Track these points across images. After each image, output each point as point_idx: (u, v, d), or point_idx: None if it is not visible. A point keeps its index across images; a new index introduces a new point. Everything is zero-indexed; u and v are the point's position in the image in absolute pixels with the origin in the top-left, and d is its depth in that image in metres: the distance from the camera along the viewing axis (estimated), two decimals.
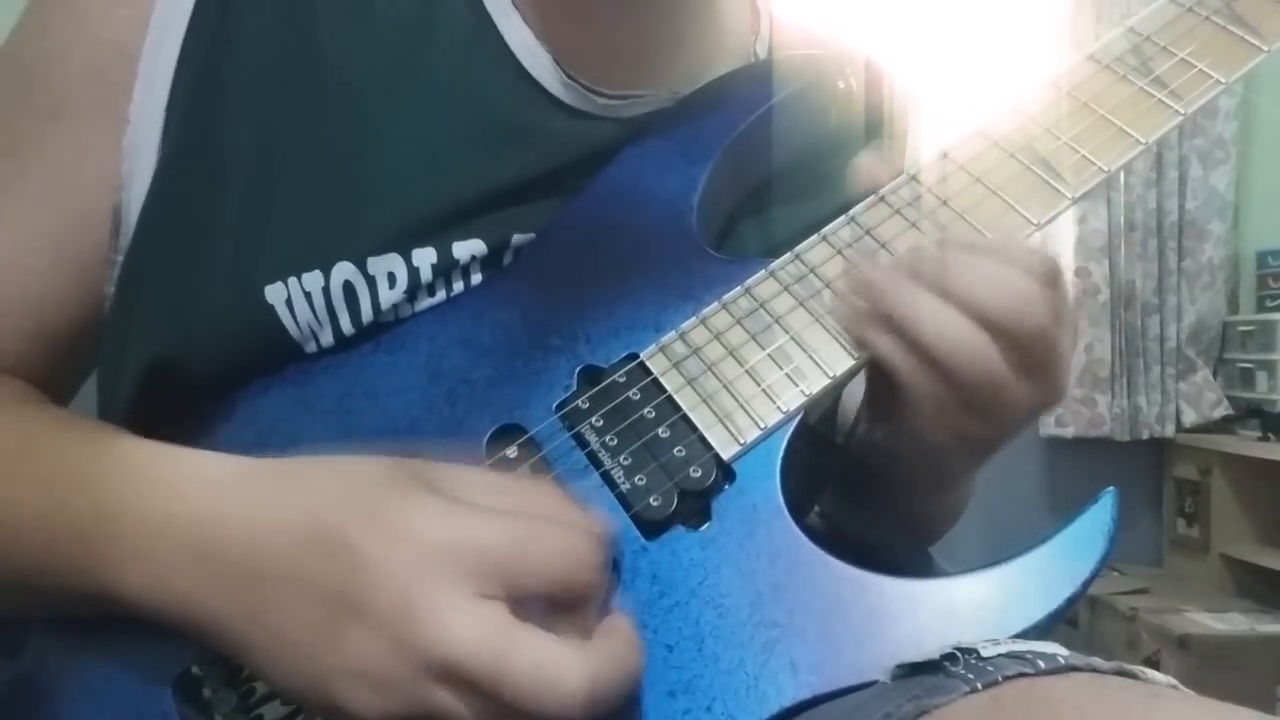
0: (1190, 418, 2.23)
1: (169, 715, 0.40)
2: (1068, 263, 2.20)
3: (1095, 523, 0.39)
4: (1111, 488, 0.39)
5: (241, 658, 0.36)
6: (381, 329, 0.47)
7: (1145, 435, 2.23)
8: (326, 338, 0.46)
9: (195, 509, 0.37)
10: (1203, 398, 2.22)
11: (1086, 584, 0.38)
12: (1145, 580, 2.18)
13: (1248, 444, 2.06)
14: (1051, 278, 0.42)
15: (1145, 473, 2.33)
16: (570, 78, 0.50)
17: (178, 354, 0.45)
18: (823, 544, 0.40)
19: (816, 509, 0.62)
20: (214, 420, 0.45)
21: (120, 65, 0.46)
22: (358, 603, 0.32)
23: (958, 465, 0.47)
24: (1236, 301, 2.32)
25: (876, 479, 0.51)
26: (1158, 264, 2.22)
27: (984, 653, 0.35)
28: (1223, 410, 2.22)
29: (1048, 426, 2.23)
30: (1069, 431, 2.23)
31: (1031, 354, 0.41)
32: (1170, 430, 2.23)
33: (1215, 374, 2.27)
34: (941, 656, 0.35)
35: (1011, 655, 0.34)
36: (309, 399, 0.46)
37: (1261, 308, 2.23)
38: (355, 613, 0.32)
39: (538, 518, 0.34)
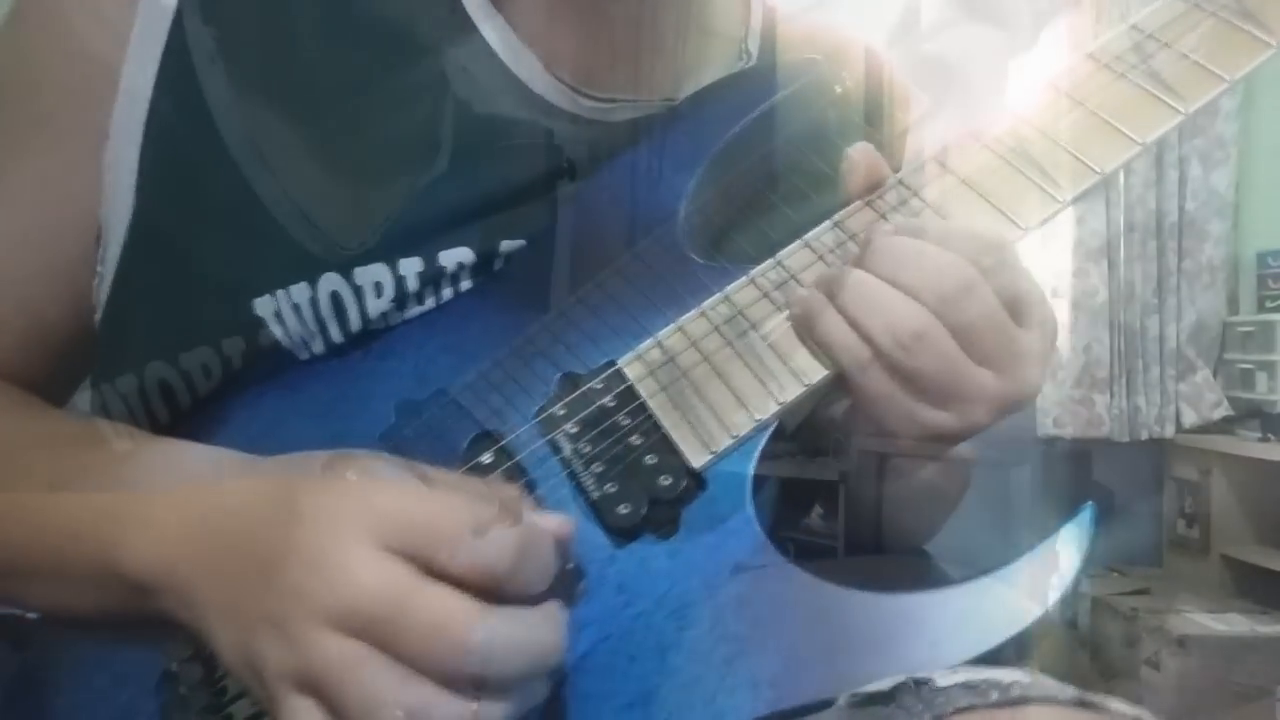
0: (1190, 418, 2.22)
1: (151, 712, 0.41)
2: (1066, 264, 2.19)
3: (1071, 539, 0.38)
4: (1090, 502, 0.39)
5: (201, 626, 0.36)
6: (372, 336, 0.47)
7: (1145, 436, 2.22)
8: (318, 346, 0.47)
9: (195, 481, 0.39)
10: (1203, 398, 2.21)
11: (1059, 603, 0.37)
12: (1145, 580, 2.17)
13: (1248, 444, 2.05)
14: (995, 261, 0.41)
15: (1145, 473, 2.32)
16: (556, 79, 0.49)
17: (171, 373, 0.46)
18: (792, 556, 0.39)
19: (817, 509, 0.62)
20: (209, 425, 0.46)
21: (101, 80, 0.46)
22: (287, 548, 0.33)
23: (921, 454, 0.46)
24: (1236, 302, 2.30)
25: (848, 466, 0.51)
26: (1157, 264, 2.21)
27: (939, 683, 0.34)
28: (1223, 411, 2.21)
29: (1046, 427, 2.22)
30: (1068, 432, 2.21)
31: (982, 340, 0.40)
32: (1170, 431, 2.22)
33: (1215, 374, 2.26)
34: (894, 686, 0.34)
35: (965, 686, 0.34)
36: (301, 404, 0.47)
37: (1261, 308, 2.21)
38: (285, 557, 0.33)
39: (468, 498, 0.33)
